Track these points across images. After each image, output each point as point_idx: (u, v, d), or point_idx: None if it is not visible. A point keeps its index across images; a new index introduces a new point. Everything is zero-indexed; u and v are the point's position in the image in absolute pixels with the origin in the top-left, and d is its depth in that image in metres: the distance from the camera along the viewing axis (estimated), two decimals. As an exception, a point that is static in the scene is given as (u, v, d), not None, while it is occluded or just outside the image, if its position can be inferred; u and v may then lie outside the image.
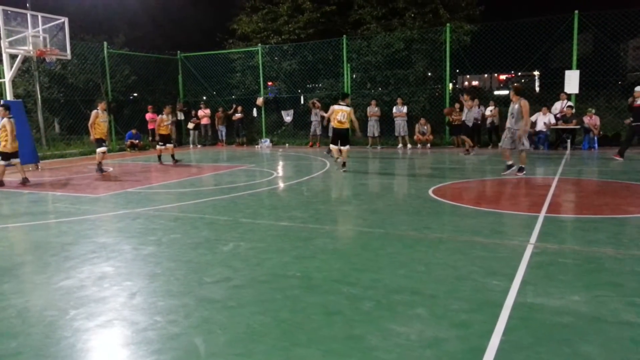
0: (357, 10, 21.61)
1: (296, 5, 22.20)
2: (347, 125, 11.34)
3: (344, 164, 11.41)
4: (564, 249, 5.01)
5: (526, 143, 10.00)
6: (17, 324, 3.50)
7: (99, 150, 12.02)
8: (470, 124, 14.88)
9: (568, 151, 14.39)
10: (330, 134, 13.81)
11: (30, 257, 5.30)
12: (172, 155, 14.00)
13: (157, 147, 14.23)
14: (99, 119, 11.94)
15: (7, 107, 10.51)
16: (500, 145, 10.76)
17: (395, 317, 3.46)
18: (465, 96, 15.17)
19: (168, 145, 14.10)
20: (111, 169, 12.97)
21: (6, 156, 10.26)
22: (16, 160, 10.45)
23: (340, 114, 11.23)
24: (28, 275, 4.67)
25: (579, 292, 3.84)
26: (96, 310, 3.69)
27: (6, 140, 10.16)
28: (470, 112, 14.75)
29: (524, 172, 9.92)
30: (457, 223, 6.22)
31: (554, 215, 6.48)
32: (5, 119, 10.20)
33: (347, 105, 11.39)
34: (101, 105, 12.10)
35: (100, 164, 12.03)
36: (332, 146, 11.90)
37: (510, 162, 10.13)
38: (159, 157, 14.07)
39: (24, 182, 10.39)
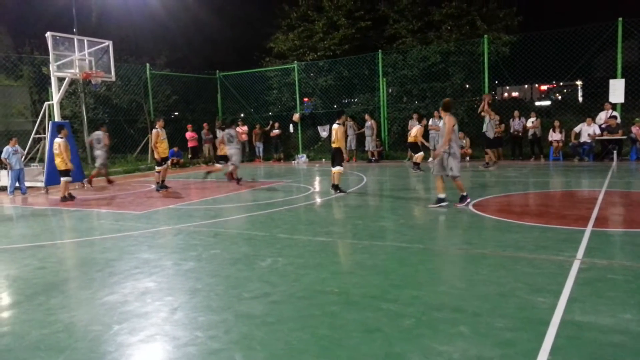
0: (392, 24, 21.63)
1: (331, 22, 22.43)
2: (337, 145, 10.33)
3: (335, 187, 10.33)
4: (613, 264, 4.80)
5: (455, 168, 8.08)
6: (63, 338, 3.60)
7: (160, 168, 12.05)
8: (490, 136, 14.16)
9: (614, 163, 13.86)
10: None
11: (77, 272, 5.47)
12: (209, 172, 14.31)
13: (217, 165, 14.19)
14: (160, 137, 12.17)
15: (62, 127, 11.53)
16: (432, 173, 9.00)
17: (437, 335, 3.38)
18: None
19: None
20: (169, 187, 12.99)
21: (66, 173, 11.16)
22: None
23: (333, 133, 10.44)
24: (74, 291, 4.82)
25: (630, 309, 3.66)
26: (139, 326, 3.76)
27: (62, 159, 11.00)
28: (490, 123, 14.02)
29: (468, 201, 8.14)
30: (500, 238, 6.07)
31: (601, 229, 6.23)
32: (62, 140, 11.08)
33: (341, 123, 10.44)
34: (159, 124, 12.34)
35: (162, 181, 12.05)
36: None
37: (442, 195, 8.20)
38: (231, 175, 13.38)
39: (62, 200, 10.99)
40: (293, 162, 20.00)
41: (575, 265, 4.74)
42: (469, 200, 8.18)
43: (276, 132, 20.38)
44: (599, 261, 4.89)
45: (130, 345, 3.45)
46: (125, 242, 6.65)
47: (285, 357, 3.16)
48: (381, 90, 19.07)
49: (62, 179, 11.07)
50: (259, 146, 20.84)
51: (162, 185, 12.05)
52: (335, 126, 10.45)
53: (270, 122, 20.79)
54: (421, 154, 14.47)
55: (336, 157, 10.37)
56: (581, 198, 8.79)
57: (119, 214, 9.03)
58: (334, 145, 10.43)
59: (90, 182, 13.50)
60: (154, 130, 12.31)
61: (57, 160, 11.11)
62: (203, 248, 6.14)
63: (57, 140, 11.12)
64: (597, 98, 15.94)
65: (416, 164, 14.34)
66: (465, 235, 6.37)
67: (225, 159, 13.47)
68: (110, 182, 13.90)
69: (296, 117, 20.61)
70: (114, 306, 4.20)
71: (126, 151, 20.07)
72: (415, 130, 14.61)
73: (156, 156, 12.31)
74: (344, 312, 3.87)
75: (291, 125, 20.92)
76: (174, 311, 4.04)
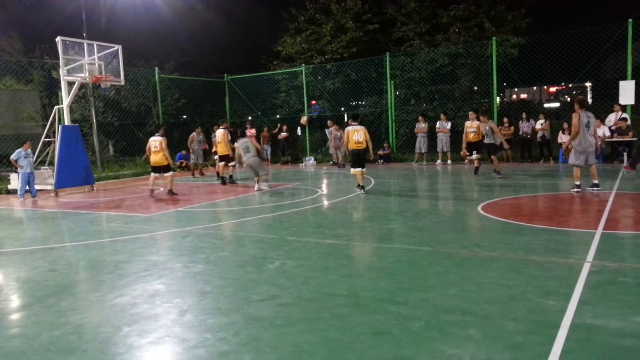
0: (400, 27, 21.64)
1: (339, 26, 22.48)
2: (364, 145, 10.55)
3: (362, 187, 10.60)
4: (624, 267, 4.76)
5: (571, 157, 9.53)
6: (74, 340, 3.62)
7: (231, 164, 13.57)
8: (491, 142, 12.82)
9: (625, 165, 13.74)
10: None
11: (86, 275, 5.50)
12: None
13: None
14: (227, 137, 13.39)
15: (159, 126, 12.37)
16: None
17: (447, 338, 3.36)
18: (471, 114, 13.35)
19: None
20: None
21: (153, 169, 11.81)
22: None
23: (357, 133, 10.46)
24: (84, 293, 4.85)
25: (643, 313, 3.62)
26: (148, 328, 3.77)
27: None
28: (487, 130, 12.75)
29: (575, 189, 9.35)
30: (509, 240, 6.03)
31: (612, 231, 6.18)
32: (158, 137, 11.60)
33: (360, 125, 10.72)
34: (226, 125, 13.80)
35: (223, 177, 13.56)
36: (353, 170, 10.72)
37: (578, 182, 9.35)
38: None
39: (170, 193, 11.54)
40: (301, 164, 20.03)
41: (586, 268, 4.70)
42: (576, 189, 9.27)
43: (284, 134, 20.43)
44: (610, 264, 4.85)
45: (140, 347, 3.46)
46: (134, 245, 6.69)
47: (294, 360, 3.16)
48: (389, 92, 19.06)
49: (167, 174, 11.70)
50: (267, 149, 20.88)
51: (230, 180, 13.45)
52: (360, 127, 10.57)
53: (278, 125, 20.85)
54: (477, 155, 13.06)
55: (363, 158, 10.74)
56: (591, 200, 8.72)
57: (128, 216, 9.08)
58: (362, 146, 10.54)
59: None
60: (223, 131, 13.50)
61: (158, 157, 11.51)
62: (211, 250, 6.16)
63: (158, 138, 11.56)
64: (607, 100, 15.83)
65: (477, 168, 13.13)
66: (474, 237, 6.33)
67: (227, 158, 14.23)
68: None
69: (304, 119, 20.65)
70: (123, 308, 4.22)
71: (135, 154, 20.19)
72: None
73: (225, 152, 13.44)
74: (353, 314, 3.86)
75: (299, 128, 20.96)
76: (183, 313, 4.05)
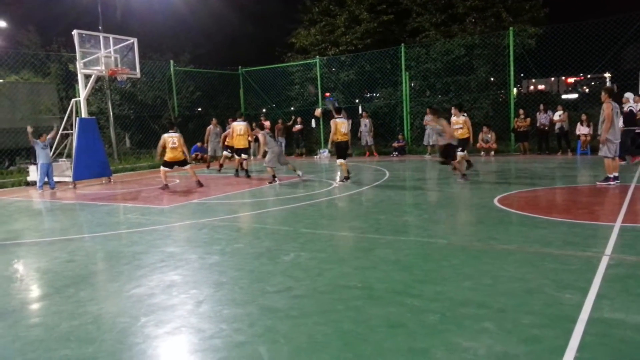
0: (415, 18, 21.43)
1: (353, 17, 22.34)
2: (348, 137, 11.46)
3: (347, 177, 11.29)
4: (643, 261, 4.69)
5: (605, 149, 9.22)
6: (92, 329, 3.68)
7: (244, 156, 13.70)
8: (454, 143, 10.95)
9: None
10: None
11: (104, 265, 5.58)
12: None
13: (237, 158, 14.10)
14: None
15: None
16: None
17: (462, 331, 3.35)
18: (453, 108, 12.05)
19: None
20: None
21: (168, 164, 11.83)
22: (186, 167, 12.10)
23: (344, 126, 11.10)
24: (102, 284, 4.92)
25: (662, 307, 3.57)
26: (165, 318, 3.82)
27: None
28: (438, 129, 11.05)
29: (610, 183, 9.08)
30: (526, 233, 5.98)
31: (631, 224, 6.09)
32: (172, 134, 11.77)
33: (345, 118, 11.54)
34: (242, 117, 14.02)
35: (236, 170, 13.84)
36: (341, 161, 11.30)
37: (611, 175, 9.13)
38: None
39: (198, 184, 11.72)
40: (315, 156, 20.02)
41: (604, 262, 4.64)
42: (611, 182, 9.05)
43: (298, 127, 20.43)
44: (629, 257, 4.78)
45: (157, 337, 3.51)
46: (151, 236, 6.76)
47: (308, 351, 3.18)
48: (404, 84, 18.94)
49: (187, 167, 12.07)
50: (281, 141, 20.89)
51: (246, 173, 13.57)
52: (345, 120, 11.45)
53: (293, 117, 20.84)
54: (462, 154, 11.48)
55: (347, 150, 11.63)
56: (610, 193, 8.59)
57: (145, 208, 9.17)
58: (347, 139, 11.39)
59: None
60: (246, 123, 13.69)
61: (177, 153, 11.70)
62: (227, 242, 6.20)
63: (176, 134, 11.76)
64: (627, 90, 15.52)
65: (469, 162, 11.78)
66: (490, 230, 6.29)
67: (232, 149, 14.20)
68: None
69: (318, 112, 20.56)
70: (141, 299, 4.27)
71: (151, 146, 20.33)
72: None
73: (247, 146, 13.78)
74: (368, 307, 3.87)
75: (313, 120, 20.93)
76: (199, 304, 4.09)
